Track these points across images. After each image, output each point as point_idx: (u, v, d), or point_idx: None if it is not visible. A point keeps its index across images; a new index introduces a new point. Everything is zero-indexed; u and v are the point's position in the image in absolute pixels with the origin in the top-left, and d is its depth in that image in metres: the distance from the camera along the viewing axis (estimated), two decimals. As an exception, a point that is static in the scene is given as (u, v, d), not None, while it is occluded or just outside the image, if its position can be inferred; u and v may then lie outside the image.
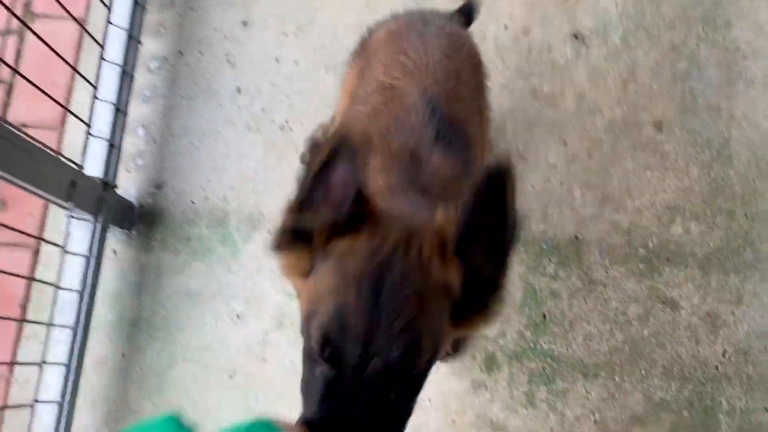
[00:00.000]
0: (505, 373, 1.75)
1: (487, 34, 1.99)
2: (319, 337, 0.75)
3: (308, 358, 0.79)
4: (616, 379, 1.74)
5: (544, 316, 1.80)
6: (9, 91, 2.02)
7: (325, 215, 0.80)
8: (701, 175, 1.88)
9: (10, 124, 1.35)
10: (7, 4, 1.44)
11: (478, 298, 0.82)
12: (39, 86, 1.50)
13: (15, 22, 2.08)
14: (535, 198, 1.87)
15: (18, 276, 1.63)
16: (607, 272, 1.82)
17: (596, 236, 1.84)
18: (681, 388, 1.73)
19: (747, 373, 1.74)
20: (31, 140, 1.42)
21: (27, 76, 1.46)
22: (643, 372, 1.75)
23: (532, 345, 1.78)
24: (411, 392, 0.78)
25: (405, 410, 0.79)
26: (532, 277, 1.82)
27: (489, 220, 0.79)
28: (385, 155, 1.11)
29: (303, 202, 0.81)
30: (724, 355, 1.76)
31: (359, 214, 0.80)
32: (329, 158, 0.78)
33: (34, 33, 1.49)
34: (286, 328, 1.79)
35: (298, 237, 0.82)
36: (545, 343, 1.78)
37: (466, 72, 1.33)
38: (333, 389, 0.74)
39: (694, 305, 1.79)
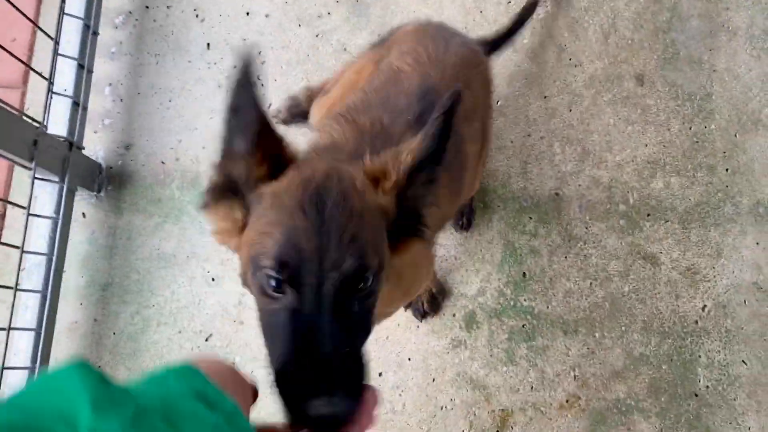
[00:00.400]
0: (485, 331, 1.74)
1: (465, -15, 1.93)
2: (274, 264, 0.75)
3: (264, 300, 0.78)
4: (596, 335, 1.73)
5: (524, 274, 1.78)
6: (-33, 49, 1.93)
7: (249, 160, 0.80)
8: (682, 129, 1.85)
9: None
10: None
11: (410, 223, 0.87)
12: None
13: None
14: (514, 154, 1.83)
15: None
16: (587, 228, 1.79)
17: (576, 192, 1.81)
18: (660, 343, 1.73)
19: (726, 327, 1.74)
20: (-14, 96, 1.35)
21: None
22: (623, 328, 1.74)
23: (512, 303, 1.76)
24: (367, 307, 0.79)
25: (366, 326, 0.80)
26: (512, 235, 1.79)
27: (432, 150, 0.83)
28: (356, 124, 1.15)
29: (227, 152, 0.80)
30: (703, 309, 1.75)
31: (278, 157, 0.81)
32: (237, 99, 0.77)
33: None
34: (262, 290, 1.76)
35: (226, 191, 0.82)
36: (525, 300, 1.76)
37: (475, 83, 1.35)
38: (297, 319, 0.74)
39: (674, 260, 1.78)
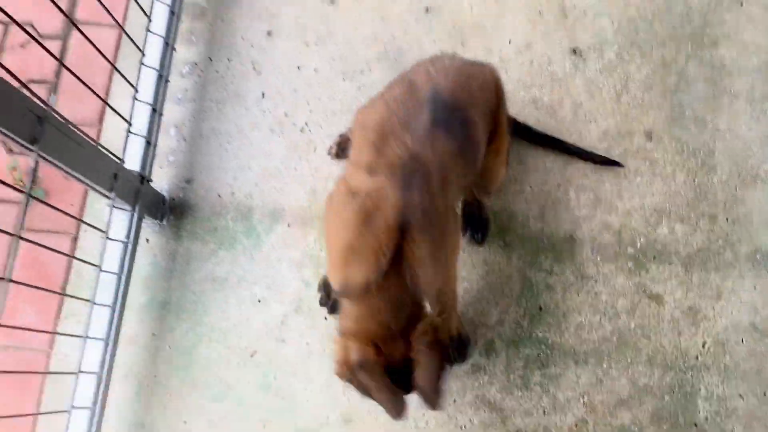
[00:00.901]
0: (503, 358, 1.92)
1: (492, 48, 2.17)
2: None
3: None
4: (604, 365, 1.90)
5: (540, 307, 1.96)
6: (54, 91, 2.20)
7: None
8: (687, 181, 2.05)
9: (67, 120, 1.53)
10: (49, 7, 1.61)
11: None
12: (86, 83, 1.67)
13: (56, 27, 2.27)
14: (533, 199, 2.03)
15: (69, 256, 1.80)
16: (598, 268, 1.98)
17: (589, 235, 2.01)
18: (663, 375, 1.89)
19: (724, 363, 1.90)
20: (83, 135, 1.59)
21: (69, 79, 1.61)
22: (629, 360, 1.91)
23: (528, 333, 1.94)
24: None
25: None
26: (530, 272, 1.98)
27: None
28: (386, 158, 1.32)
29: None
30: (703, 346, 1.92)
31: None
32: None
33: (83, 34, 1.65)
34: (303, 313, 1.96)
35: None
36: (540, 332, 1.94)
37: (479, 78, 1.53)
38: None
39: (677, 300, 1.95)
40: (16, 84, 1.36)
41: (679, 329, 1.93)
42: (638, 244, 2.00)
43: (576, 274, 1.98)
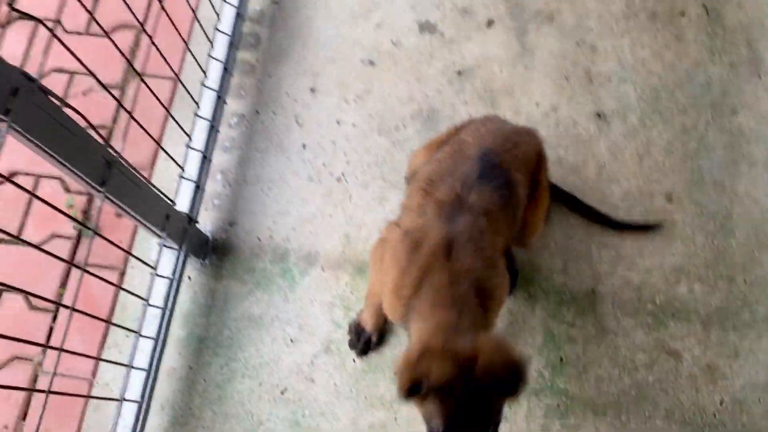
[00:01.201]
0: (524, 407, 1.98)
1: (520, 109, 2.30)
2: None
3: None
4: (623, 418, 1.96)
5: (561, 358, 2.03)
6: (109, 136, 2.37)
7: None
8: (706, 242, 2.13)
9: (129, 164, 1.68)
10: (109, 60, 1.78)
11: None
12: (146, 129, 1.82)
13: (115, 79, 2.46)
14: (557, 253, 2.13)
15: (120, 288, 1.92)
16: (618, 323, 2.05)
17: (610, 290, 2.09)
18: (681, 431, 1.94)
19: (741, 421, 1.94)
20: (143, 178, 1.74)
21: (126, 127, 1.76)
22: (647, 414, 1.96)
23: (549, 384, 2.01)
24: None
25: None
26: (552, 324, 2.06)
27: None
28: (434, 197, 1.49)
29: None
30: (721, 403, 1.96)
31: None
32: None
33: (147, 86, 1.82)
34: (332, 354, 2.05)
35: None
36: (561, 382, 2.00)
37: (524, 145, 1.69)
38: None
39: (696, 357, 2.01)
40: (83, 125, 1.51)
41: (697, 386, 1.98)
42: (658, 301, 2.07)
43: (597, 328, 2.05)
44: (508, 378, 1.20)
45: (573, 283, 2.10)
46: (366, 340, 2.01)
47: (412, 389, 1.20)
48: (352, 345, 2.04)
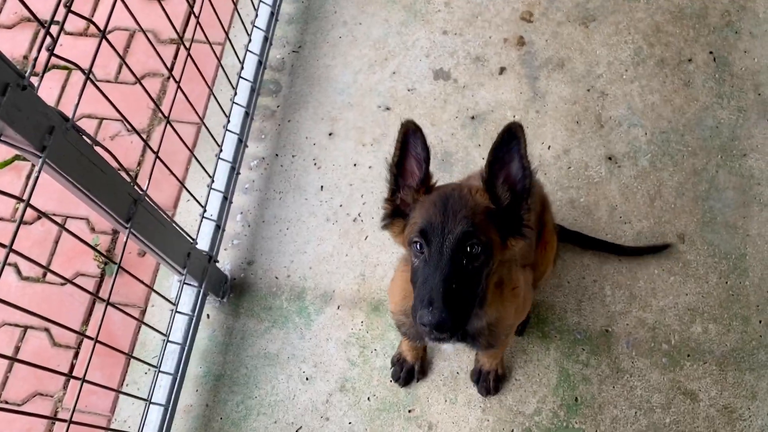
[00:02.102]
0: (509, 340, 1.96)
1: (532, 152, 2.36)
2: (417, 231, 1.30)
3: (414, 261, 1.33)
4: (640, 460, 1.94)
5: (576, 398, 2.03)
6: (135, 178, 2.46)
7: (409, 191, 1.39)
8: (719, 283, 2.14)
9: (156, 204, 1.75)
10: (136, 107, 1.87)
11: (514, 224, 1.35)
12: (172, 170, 1.90)
13: (141, 123, 2.56)
14: (570, 293, 2.15)
15: (141, 322, 1.96)
16: (633, 363, 2.05)
17: (624, 330, 2.09)
18: (700, 474, 1.91)
19: (762, 464, 1.91)
20: (167, 217, 1.81)
21: (151, 169, 1.83)
22: (664, 456, 1.94)
23: (564, 424, 2.00)
24: (476, 268, 1.30)
25: (472, 283, 1.30)
26: (566, 363, 2.07)
27: (510, 165, 1.32)
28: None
29: (392, 191, 1.41)
30: (740, 446, 1.94)
31: (429, 183, 1.39)
32: (402, 150, 1.39)
33: (174, 129, 1.91)
34: (347, 392, 2.07)
35: (395, 215, 1.41)
36: (576, 422, 2.00)
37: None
38: (428, 265, 1.27)
39: (712, 398, 1.99)
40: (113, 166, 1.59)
41: (714, 427, 1.96)
42: (672, 341, 2.07)
43: (612, 368, 2.05)
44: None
45: (587, 322, 2.11)
46: (409, 370, 2.05)
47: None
48: (395, 376, 2.07)
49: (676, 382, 2.02)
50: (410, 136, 1.37)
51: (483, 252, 1.29)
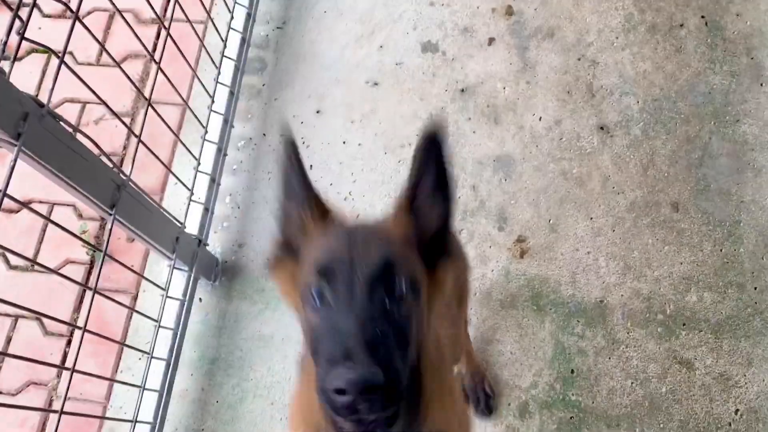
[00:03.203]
0: (536, 421, 1.97)
1: (523, 124, 2.33)
2: (314, 274, 0.89)
3: (311, 317, 0.91)
4: (637, 430, 1.94)
5: (572, 371, 2.02)
6: (119, 164, 2.42)
7: (295, 221, 1.01)
8: (714, 251, 2.13)
9: (141, 189, 1.71)
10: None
11: (438, 247, 1.01)
12: (156, 155, 1.87)
13: (126, 107, 2.51)
14: (564, 265, 2.13)
15: (132, 310, 1.95)
16: (628, 333, 2.05)
17: (619, 301, 2.08)
18: (696, 442, 1.92)
19: (757, 430, 1.92)
20: (153, 202, 1.78)
21: (135, 153, 1.79)
22: (661, 425, 1.94)
23: (561, 396, 2.00)
24: (405, 313, 0.89)
25: (404, 334, 0.88)
26: (562, 336, 2.06)
27: (430, 178, 1.00)
28: None
29: (282, 225, 1.04)
30: (736, 413, 1.94)
31: (322, 208, 1.00)
32: (286, 178, 1.02)
33: (157, 112, 1.87)
34: (343, 371, 2.06)
35: (285, 253, 1.03)
36: (573, 395, 1.99)
37: None
38: (335, 315, 0.86)
39: (708, 366, 1.99)
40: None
41: (710, 395, 1.96)
42: (667, 311, 2.06)
43: (607, 339, 2.05)
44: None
45: (581, 294, 2.10)
46: None
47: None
48: None
49: (671, 351, 2.02)
50: (289, 169, 1.02)
51: (409, 289, 0.90)
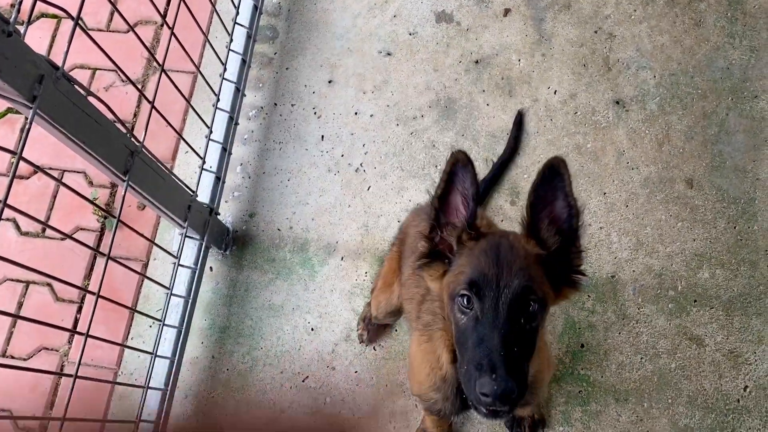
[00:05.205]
0: (545, 394, 1.98)
1: (538, 97, 2.30)
2: (465, 282, 1.13)
3: (459, 318, 1.16)
4: (645, 405, 1.95)
5: (582, 345, 2.02)
6: (132, 129, 2.40)
7: (452, 230, 1.22)
8: (727, 228, 2.11)
9: (154, 156, 1.70)
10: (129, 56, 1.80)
11: (565, 271, 1.22)
12: (169, 122, 1.85)
13: (136, 74, 2.49)
14: (576, 240, 2.12)
15: (144, 276, 1.95)
16: (639, 309, 2.04)
17: (631, 277, 2.08)
18: (704, 417, 1.92)
19: (766, 407, 1.92)
20: (165, 169, 1.76)
21: (147, 121, 1.78)
22: (669, 400, 1.95)
23: (570, 370, 2.00)
24: (532, 328, 1.14)
25: (530, 343, 1.15)
26: (572, 311, 2.06)
27: (553, 204, 1.18)
28: None
29: (432, 227, 1.23)
30: (745, 389, 1.95)
31: (476, 226, 1.21)
32: (447, 183, 1.19)
33: (170, 78, 1.85)
34: (352, 342, 2.07)
35: (433, 256, 1.24)
36: (582, 369, 2.00)
37: None
38: (481, 324, 1.11)
39: (718, 343, 1.99)
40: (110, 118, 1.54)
41: (720, 372, 1.97)
42: (679, 287, 2.06)
43: (618, 314, 2.04)
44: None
45: (593, 269, 2.09)
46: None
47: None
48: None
49: (682, 327, 2.02)
50: (458, 169, 1.18)
51: (540, 309, 1.14)
